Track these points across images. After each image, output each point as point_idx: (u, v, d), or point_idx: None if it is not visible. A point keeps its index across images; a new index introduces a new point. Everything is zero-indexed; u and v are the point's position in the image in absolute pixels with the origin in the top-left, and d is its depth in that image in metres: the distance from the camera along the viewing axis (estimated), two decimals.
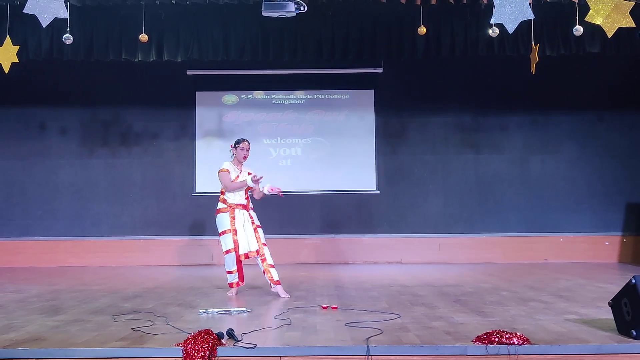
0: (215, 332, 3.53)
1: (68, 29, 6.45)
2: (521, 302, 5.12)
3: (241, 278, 5.77)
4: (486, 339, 3.46)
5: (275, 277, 5.58)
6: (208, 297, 5.60)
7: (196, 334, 3.47)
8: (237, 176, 5.72)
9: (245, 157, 5.76)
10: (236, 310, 4.68)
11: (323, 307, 4.85)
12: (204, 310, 4.68)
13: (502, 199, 9.29)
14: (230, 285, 5.78)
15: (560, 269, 7.95)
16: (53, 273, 7.95)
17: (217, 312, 4.65)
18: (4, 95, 9.20)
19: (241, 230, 5.63)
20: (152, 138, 9.42)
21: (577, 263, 8.82)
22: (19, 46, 6.74)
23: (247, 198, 5.79)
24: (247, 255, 5.61)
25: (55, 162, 9.30)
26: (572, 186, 9.28)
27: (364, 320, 4.21)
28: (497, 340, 3.42)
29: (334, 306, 4.86)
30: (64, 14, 5.59)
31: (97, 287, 6.43)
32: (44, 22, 5.70)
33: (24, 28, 7.41)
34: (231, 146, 5.84)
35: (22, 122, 9.34)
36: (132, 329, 3.98)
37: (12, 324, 4.22)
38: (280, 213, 8.97)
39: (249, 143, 5.80)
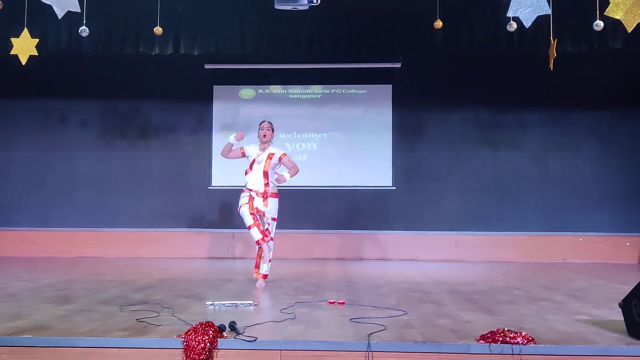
0: (217, 324, 3.53)
1: (84, 21, 6.50)
2: (533, 301, 5.03)
3: (264, 234, 5.77)
4: (490, 337, 3.40)
5: (263, 271, 5.86)
6: (218, 290, 5.61)
7: (197, 325, 3.47)
8: (254, 159, 5.86)
9: (265, 136, 5.87)
10: (243, 304, 4.67)
11: (330, 303, 4.82)
12: (211, 303, 4.69)
13: (521, 197, 9.14)
14: (257, 243, 5.80)
15: (578, 269, 7.80)
16: (69, 263, 8.06)
17: (223, 304, 4.65)
18: (24, 87, 9.36)
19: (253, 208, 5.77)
20: (170, 131, 9.49)
21: (596, 263, 8.65)
22: (38, 39, 6.83)
23: (267, 185, 5.81)
24: (258, 210, 5.77)
25: (74, 153, 9.42)
26: (593, 185, 9.10)
27: (369, 317, 4.17)
28: (501, 339, 3.35)
29: (341, 301, 4.82)
30: (77, 8, 5.64)
31: (109, 277, 6.49)
32: (60, 14, 5.77)
33: (43, 21, 7.50)
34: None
35: (42, 114, 9.48)
36: (137, 319, 3.99)
37: (21, 312, 4.27)
38: (295, 208, 8.95)
39: (269, 123, 5.94)
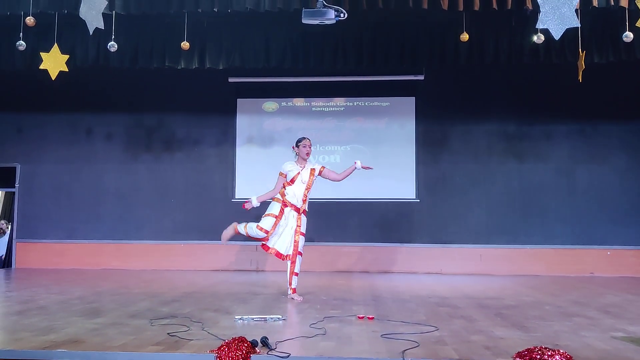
0: (249, 339, 3.52)
1: (113, 37, 6.62)
2: (565, 317, 4.95)
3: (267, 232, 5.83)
4: (527, 355, 3.33)
5: (294, 285, 5.89)
6: (245, 304, 5.61)
7: (230, 341, 3.46)
8: (298, 173, 5.91)
9: (308, 154, 5.97)
10: (271, 318, 4.66)
11: (359, 317, 4.78)
12: (240, 317, 4.68)
13: (547, 210, 9.02)
14: (263, 240, 5.91)
15: (607, 284, 7.66)
16: (97, 275, 8.13)
17: (252, 319, 4.64)
18: (52, 102, 9.52)
19: (282, 229, 5.85)
20: (194, 144, 9.56)
21: (625, 277, 8.50)
22: (68, 55, 6.98)
23: (304, 201, 5.93)
24: (266, 247, 5.89)
25: (100, 166, 9.54)
26: (621, 198, 8.95)
27: (400, 332, 4.13)
28: (538, 357, 3.28)
29: (370, 316, 4.79)
30: (101, 24, 5.77)
31: (137, 290, 6.53)
32: (91, 30, 5.89)
33: (73, 36, 7.67)
34: (293, 147, 6.05)
35: (69, 127, 9.63)
36: (168, 333, 4.00)
37: (53, 325, 4.31)
38: (319, 220, 8.92)
39: (309, 140, 6.01)
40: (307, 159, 6.00)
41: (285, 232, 5.87)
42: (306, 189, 5.92)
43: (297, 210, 5.90)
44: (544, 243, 8.94)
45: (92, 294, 6.15)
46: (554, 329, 4.39)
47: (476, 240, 9.04)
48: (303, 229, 5.91)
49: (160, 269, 9.04)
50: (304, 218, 5.94)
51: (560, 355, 3.29)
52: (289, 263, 5.87)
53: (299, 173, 5.91)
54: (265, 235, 5.84)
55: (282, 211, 5.86)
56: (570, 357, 3.31)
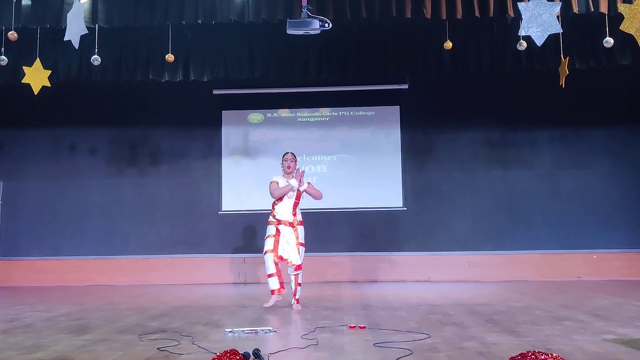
0: (241, 352, 3.48)
1: (96, 50, 6.57)
2: (555, 321, 4.96)
3: (282, 285, 5.99)
4: (521, 359, 3.33)
5: (298, 296, 6.05)
6: (235, 316, 5.55)
7: (222, 354, 3.41)
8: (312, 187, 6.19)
9: (289, 167, 6.08)
10: (262, 330, 4.62)
11: (350, 327, 4.76)
12: (230, 330, 4.63)
13: (533, 215, 9.09)
14: (272, 292, 6.01)
15: (594, 287, 7.72)
16: (82, 292, 8.01)
17: (243, 331, 4.59)
18: (35, 117, 9.40)
19: (284, 242, 5.97)
20: (180, 157, 9.50)
21: (611, 281, 8.56)
22: (50, 71, 6.90)
23: (294, 214, 6.04)
24: (281, 258, 5.95)
25: (84, 181, 9.43)
26: (605, 202, 9.05)
27: (392, 340, 4.11)
28: None
29: (362, 326, 4.76)
30: (85, 30, 5.74)
31: (124, 305, 6.44)
32: (76, 44, 5.84)
33: (54, 51, 7.59)
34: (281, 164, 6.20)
35: (52, 142, 9.52)
36: (158, 348, 3.94)
37: (40, 343, 4.22)
38: (307, 230, 8.91)
39: (292, 154, 6.16)
40: (290, 172, 6.08)
41: (288, 244, 5.98)
42: (294, 206, 6.05)
43: (291, 224, 6.01)
44: (531, 248, 9.00)
45: (79, 311, 6.05)
46: (545, 333, 4.40)
47: (464, 247, 9.07)
48: (301, 240, 6.07)
49: (146, 283, 8.93)
50: (300, 229, 6.08)
51: (554, 359, 3.28)
52: (292, 277, 6.00)
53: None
54: (272, 252, 5.94)
55: (277, 231, 6.00)
56: None
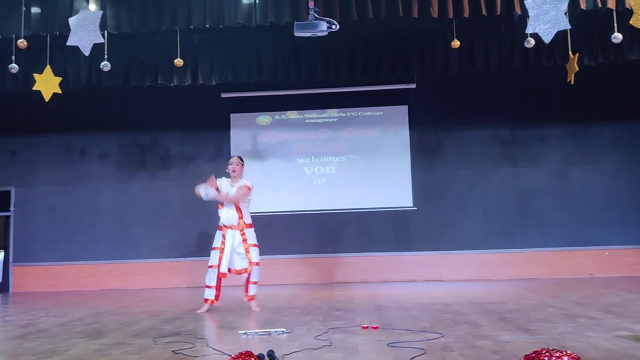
0: (255, 353, 3.50)
1: (106, 56, 6.63)
2: (569, 318, 4.95)
3: (217, 297, 6.01)
4: (535, 357, 3.32)
5: (251, 293, 6.04)
6: (247, 318, 5.58)
7: (237, 355, 3.44)
8: (228, 193, 5.95)
9: (234, 171, 6.03)
10: (276, 331, 4.64)
11: (363, 327, 4.76)
12: (244, 332, 4.65)
13: (543, 213, 9.05)
14: (205, 300, 6.03)
15: (606, 284, 7.68)
16: (95, 296, 8.07)
17: (256, 333, 4.62)
18: (45, 123, 9.47)
19: (228, 251, 5.90)
20: (189, 160, 9.54)
21: (624, 277, 8.52)
22: (61, 78, 6.96)
23: (240, 217, 5.95)
24: (230, 270, 5.93)
25: (95, 186, 9.49)
26: (616, 198, 9.00)
27: (406, 340, 4.12)
28: (546, 359, 3.28)
29: (375, 326, 4.77)
30: (100, 39, 5.75)
31: (138, 309, 6.48)
32: (86, 51, 5.88)
33: (63, 57, 7.65)
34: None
35: (63, 148, 9.59)
36: (173, 351, 3.97)
37: (56, 348, 4.26)
38: (317, 232, 8.98)
39: (238, 158, 6.15)
40: (234, 176, 6.02)
41: (233, 252, 5.92)
42: (236, 209, 5.94)
43: (237, 227, 5.94)
44: (542, 246, 8.97)
45: (92, 315, 6.10)
46: (558, 330, 4.40)
47: (474, 245, 9.05)
48: (252, 241, 5.98)
49: (159, 287, 8.98)
50: (249, 231, 5.98)
51: (568, 356, 3.28)
52: (245, 276, 5.99)
53: (228, 193, 5.94)
54: (216, 268, 5.91)
55: (223, 238, 5.94)
56: (578, 357, 3.30)
